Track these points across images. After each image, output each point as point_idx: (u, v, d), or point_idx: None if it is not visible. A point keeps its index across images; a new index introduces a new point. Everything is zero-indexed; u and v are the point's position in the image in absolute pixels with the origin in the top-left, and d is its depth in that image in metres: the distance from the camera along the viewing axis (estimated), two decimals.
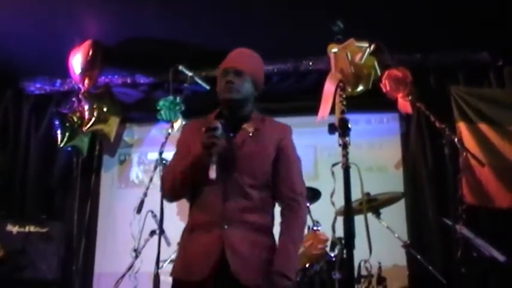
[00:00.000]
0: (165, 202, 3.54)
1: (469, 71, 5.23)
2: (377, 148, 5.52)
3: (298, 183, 2.57)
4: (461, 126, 4.84)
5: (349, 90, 2.45)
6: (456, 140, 4.14)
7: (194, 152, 2.45)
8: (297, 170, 2.60)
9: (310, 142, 5.49)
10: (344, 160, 2.11)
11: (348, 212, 2.04)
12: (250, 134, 2.52)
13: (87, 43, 5.19)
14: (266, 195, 2.52)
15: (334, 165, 2.21)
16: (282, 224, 2.49)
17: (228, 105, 2.57)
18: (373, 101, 4.74)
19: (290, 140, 2.63)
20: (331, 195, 2.34)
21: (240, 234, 2.41)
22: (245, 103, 2.59)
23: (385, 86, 4.79)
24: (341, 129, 2.17)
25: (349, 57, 2.43)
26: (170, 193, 2.61)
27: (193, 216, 2.55)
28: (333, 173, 2.24)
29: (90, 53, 5.18)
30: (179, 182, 2.51)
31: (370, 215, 4.07)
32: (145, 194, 4.39)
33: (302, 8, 4.61)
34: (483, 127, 4.81)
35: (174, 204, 4.20)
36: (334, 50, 2.51)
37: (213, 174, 2.30)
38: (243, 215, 2.43)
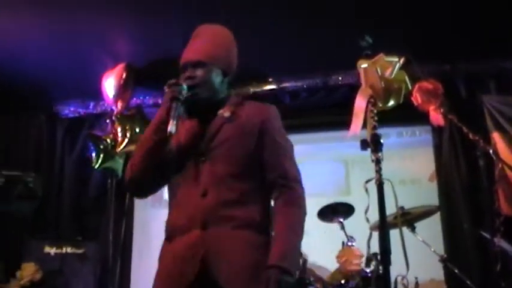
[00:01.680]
0: None
1: (500, 80, 5.15)
2: (409, 161, 5.45)
3: (289, 168, 2.24)
4: (496, 137, 4.75)
5: (380, 105, 2.44)
6: (491, 151, 4.07)
7: (156, 116, 2.19)
8: (287, 154, 2.28)
9: (341, 157, 5.48)
10: (377, 176, 2.11)
11: (383, 229, 2.03)
12: (226, 117, 2.24)
13: (120, 66, 5.27)
14: (252, 186, 2.19)
15: (367, 181, 2.20)
16: (275, 214, 2.18)
17: (195, 104, 2.24)
18: (405, 113, 4.71)
19: (275, 121, 2.32)
20: (366, 212, 2.32)
21: (224, 234, 2.07)
22: (215, 94, 2.30)
23: (416, 98, 4.75)
24: (373, 144, 2.17)
25: (379, 72, 2.43)
26: (131, 177, 2.20)
27: (170, 220, 2.24)
28: (366, 190, 2.22)
29: (124, 75, 5.26)
30: (139, 157, 2.17)
31: (405, 229, 4.02)
32: None
33: (329, 23, 4.62)
34: None
35: None
36: (364, 65, 2.50)
37: (172, 128, 2.04)
38: (225, 210, 2.10)
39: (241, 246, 2.07)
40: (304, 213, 2.20)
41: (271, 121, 2.29)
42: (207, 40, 2.33)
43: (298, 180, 2.24)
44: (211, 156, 2.18)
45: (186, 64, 2.27)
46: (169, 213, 2.27)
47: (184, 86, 2.16)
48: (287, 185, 2.19)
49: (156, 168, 2.18)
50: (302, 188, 2.24)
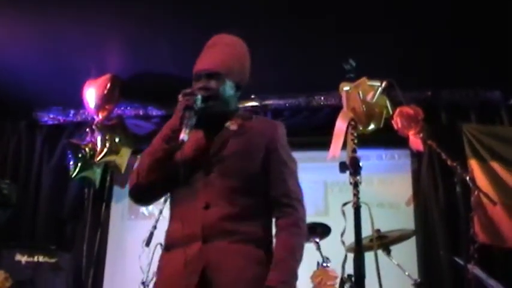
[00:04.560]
0: None
1: (481, 109, 5.24)
2: (388, 184, 5.49)
3: (293, 187, 2.22)
4: (473, 164, 4.81)
5: (361, 128, 2.45)
6: (468, 178, 4.10)
7: (167, 124, 2.17)
8: (291, 173, 2.25)
9: (321, 177, 5.49)
10: (355, 199, 2.11)
11: (359, 254, 2.03)
12: (233, 130, 2.22)
13: (105, 77, 5.26)
14: (255, 201, 2.17)
15: (344, 204, 2.21)
16: (276, 233, 2.16)
17: (205, 116, 2.17)
18: (385, 137, 4.74)
19: (282, 138, 2.29)
20: (342, 235, 2.32)
21: (224, 247, 2.06)
22: (227, 107, 2.27)
23: (397, 123, 4.78)
24: (352, 167, 2.18)
25: (361, 96, 2.45)
26: (137, 184, 2.17)
27: (170, 231, 2.21)
28: (343, 213, 2.23)
29: (108, 86, 5.25)
30: (147, 165, 2.13)
31: (380, 252, 4.03)
32: (154, 227, 4.39)
33: (314, 44, 4.66)
34: (495, 165, 4.78)
35: None
36: (346, 88, 2.53)
37: (184, 136, 2.03)
38: (226, 223, 2.08)
39: (241, 261, 2.06)
40: (304, 235, 2.20)
41: (278, 139, 2.27)
42: (224, 51, 2.29)
43: (300, 200, 2.22)
44: (215, 170, 2.15)
45: (200, 73, 2.22)
46: (170, 224, 2.23)
47: (199, 97, 2.12)
48: (290, 204, 2.18)
49: (162, 178, 2.15)
50: (304, 208, 2.22)
